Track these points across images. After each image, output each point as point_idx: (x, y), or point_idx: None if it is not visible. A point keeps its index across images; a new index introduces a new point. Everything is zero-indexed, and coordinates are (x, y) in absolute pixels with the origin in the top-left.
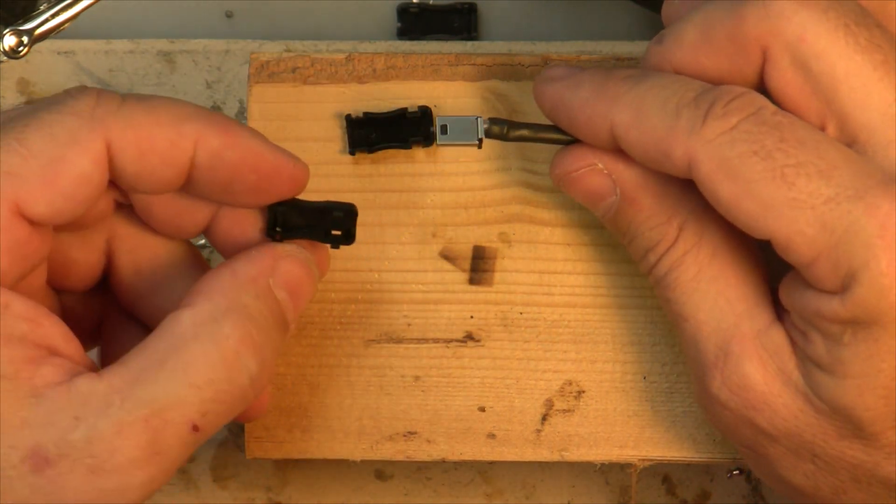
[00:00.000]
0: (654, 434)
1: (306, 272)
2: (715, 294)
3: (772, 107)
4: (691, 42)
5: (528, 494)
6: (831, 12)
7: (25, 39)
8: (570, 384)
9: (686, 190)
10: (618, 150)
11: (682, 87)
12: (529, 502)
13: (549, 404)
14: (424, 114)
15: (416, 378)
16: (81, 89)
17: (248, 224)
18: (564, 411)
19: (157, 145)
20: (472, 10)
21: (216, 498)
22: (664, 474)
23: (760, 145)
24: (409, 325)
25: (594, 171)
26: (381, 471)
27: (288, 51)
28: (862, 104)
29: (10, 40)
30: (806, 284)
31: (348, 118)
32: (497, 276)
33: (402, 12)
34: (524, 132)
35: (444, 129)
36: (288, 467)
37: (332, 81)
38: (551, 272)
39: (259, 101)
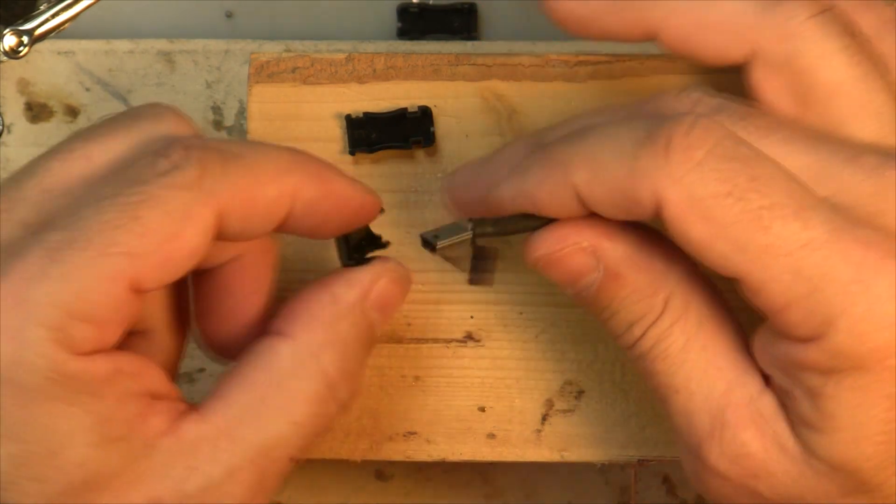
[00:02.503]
0: (654, 434)
1: (401, 289)
2: (705, 363)
3: (731, 133)
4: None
5: (528, 494)
6: (720, 115)
7: (25, 39)
8: (570, 384)
9: (670, 261)
10: (600, 226)
11: (630, 127)
12: (529, 502)
13: (549, 404)
14: (424, 114)
15: (416, 378)
16: (181, 154)
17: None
18: (564, 411)
19: (260, 205)
20: (472, 10)
21: None
22: (664, 474)
23: (734, 184)
24: (409, 325)
25: (578, 250)
26: (381, 471)
27: (288, 51)
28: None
29: (10, 40)
30: (778, 336)
31: (348, 118)
32: (497, 276)
33: (402, 12)
34: (506, 224)
35: (436, 236)
36: None
37: (332, 81)
38: None
39: (259, 101)
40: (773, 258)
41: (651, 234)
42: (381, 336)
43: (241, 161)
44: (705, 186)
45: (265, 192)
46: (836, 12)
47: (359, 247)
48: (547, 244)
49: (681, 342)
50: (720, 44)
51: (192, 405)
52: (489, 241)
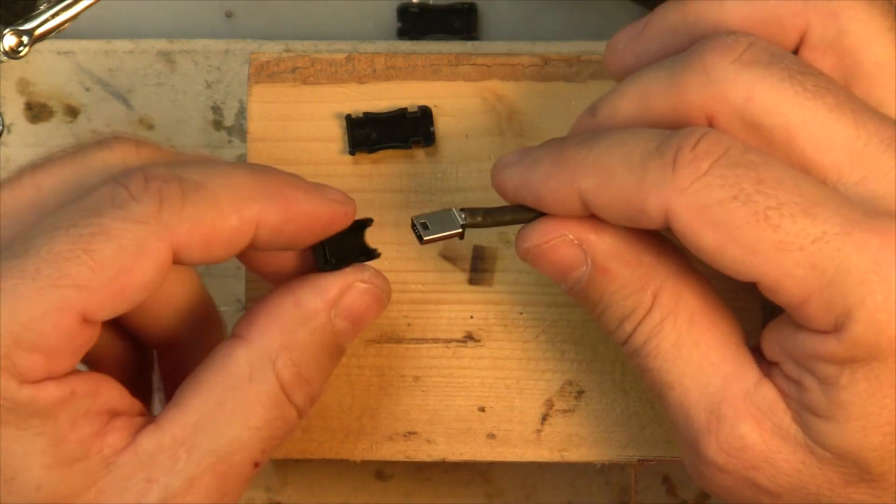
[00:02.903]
0: (654, 434)
1: (375, 300)
2: (698, 359)
3: (739, 144)
4: (628, 113)
5: (528, 494)
6: (773, 67)
7: (25, 39)
8: (570, 384)
9: (659, 256)
10: (587, 220)
11: (641, 138)
12: (529, 502)
13: (549, 404)
14: (424, 114)
15: (416, 378)
16: (140, 185)
17: (291, 256)
18: (564, 411)
19: (221, 236)
20: (472, 10)
21: None
22: (664, 474)
23: (739, 189)
24: (409, 325)
25: (564, 242)
26: (381, 471)
27: (288, 51)
28: (826, 147)
29: (10, 40)
30: (797, 328)
31: (348, 118)
32: (497, 276)
33: (402, 12)
34: (498, 216)
35: (425, 226)
36: (288, 467)
37: (332, 81)
38: None
39: (259, 101)
40: (786, 254)
41: (640, 229)
42: (381, 336)
43: (201, 192)
44: (711, 193)
45: (226, 223)
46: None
47: (338, 251)
48: (534, 236)
49: (672, 338)
50: (772, 32)
51: (152, 417)
52: (490, 242)
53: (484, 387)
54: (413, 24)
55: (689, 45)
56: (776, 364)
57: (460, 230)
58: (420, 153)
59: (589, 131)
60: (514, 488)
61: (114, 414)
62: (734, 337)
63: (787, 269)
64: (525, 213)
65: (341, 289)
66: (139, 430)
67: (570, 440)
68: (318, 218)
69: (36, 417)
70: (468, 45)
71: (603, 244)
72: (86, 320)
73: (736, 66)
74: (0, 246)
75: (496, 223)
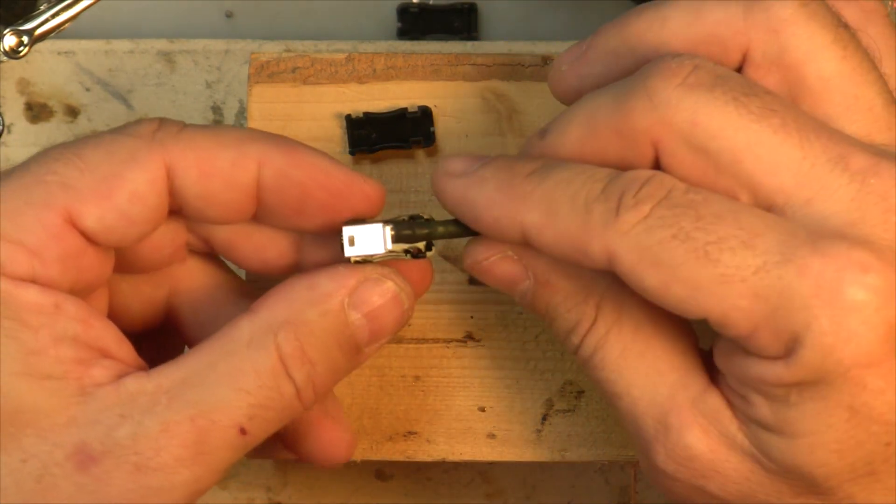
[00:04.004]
0: None
1: (392, 298)
2: (645, 369)
3: (682, 186)
4: (576, 138)
5: (528, 494)
6: (717, 90)
7: (25, 39)
8: (571, 384)
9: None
10: None
11: (588, 178)
12: (529, 502)
13: (550, 404)
14: (424, 114)
15: (416, 378)
16: (145, 118)
17: (336, 255)
18: (564, 411)
19: (218, 166)
20: (472, 10)
21: (216, 498)
22: None
23: (678, 228)
24: (409, 325)
25: (505, 259)
26: (381, 471)
27: (288, 51)
28: (772, 169)
29: (10, 40)
30: (744, 353)
31: (348, 118)
32: None
33: (402, 12)
34: (433, 229)
35: (351, 241)
36: (288, 467)
37: (332, 81)
38: None
39: (259, 101)
40: (728, 287)
41: None
42: None
43: (203, 127)
44: (651, 234)
45: (224, 153)
46: (823, 2)
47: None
48: (476, 252)
49: (618, 349)
50: (715, 52)
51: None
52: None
53: (484, 387)
54: (413, 24)
55: (633, 67)
56: (722, 373)
57: (383, 251)
58: (420, 153)
59: (537, 158)
60: (514, 488)
61: (105, 354)
62: (682, 344)
63: (730, 301)
64: (460, 228)
65: (359, 279)
66: (127, 375)
67: (570, 440)
68: (329, 175)
69: (10, 318)
70: (468, 45)
71: (542, 259)
72: (75, 224)
73: (680, 91)
74: None
75: (429, 237)
